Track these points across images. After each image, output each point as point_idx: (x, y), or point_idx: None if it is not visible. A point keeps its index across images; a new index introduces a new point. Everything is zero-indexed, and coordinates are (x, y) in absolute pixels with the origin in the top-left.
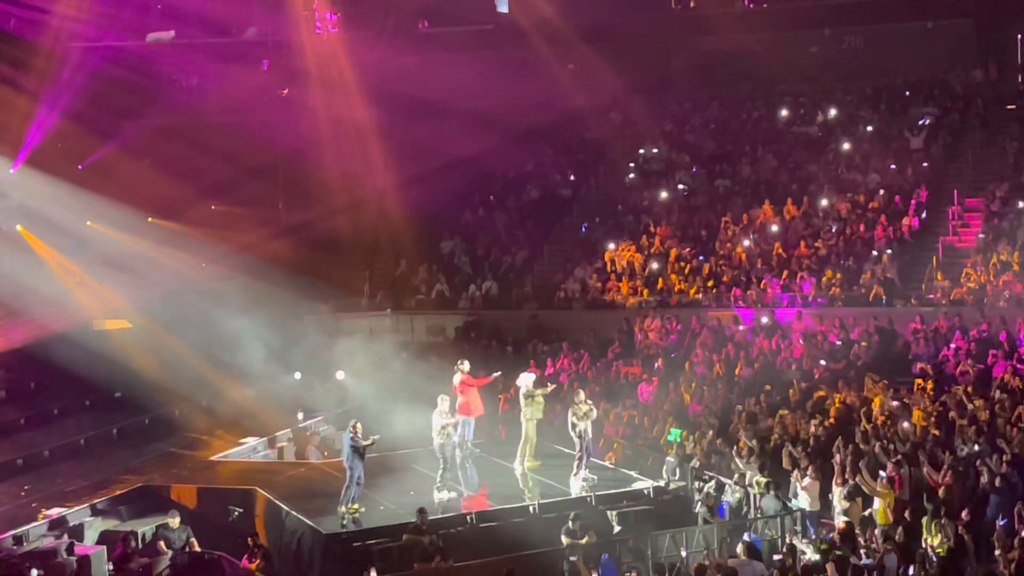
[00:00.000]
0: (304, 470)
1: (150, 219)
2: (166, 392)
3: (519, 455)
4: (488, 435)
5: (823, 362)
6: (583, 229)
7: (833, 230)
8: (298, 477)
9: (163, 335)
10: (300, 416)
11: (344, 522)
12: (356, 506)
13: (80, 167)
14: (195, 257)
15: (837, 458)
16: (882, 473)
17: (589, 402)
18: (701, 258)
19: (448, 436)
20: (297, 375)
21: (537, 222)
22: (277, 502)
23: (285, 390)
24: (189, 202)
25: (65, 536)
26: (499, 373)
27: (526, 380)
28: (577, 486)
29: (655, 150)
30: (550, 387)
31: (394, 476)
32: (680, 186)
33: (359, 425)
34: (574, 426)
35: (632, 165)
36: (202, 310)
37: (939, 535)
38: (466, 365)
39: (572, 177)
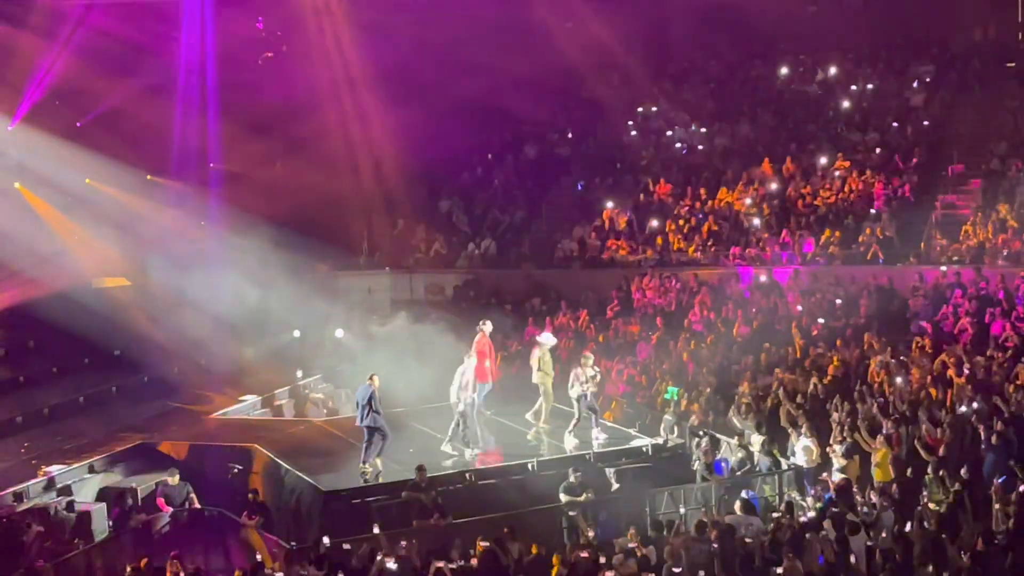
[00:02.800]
0: (303, 428)
1: (149, 177)
2: (165, 350)
3: (542, 413)
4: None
5: (821, 320)
6: (579, 188)
7: (832, 188)
8: (297, 435)
9: (162, 293)
10: (299, 374)
11: (367, 479)
12: (367, 467)
13: (79, 124)
14: (193, 216)
15: (835, 416)
16: (882, 432)
17: (597, 368)
18: (700, 216)
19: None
20: (296, 333)
21: (535, 181)
22: (276, 459)
23: (284, 348)
24: (187, 160)
25: (65, 493)
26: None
27: (547, 340)
28: (571, 443)
29: (654, 108)
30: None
31: (393, 434)
32: (678, 144)
33: (376, 378)
34: (576, 388)
35: (630, 123)
36: (200, 269)
37: (938, 492)
38: (488, 325)
39: (570, 136)
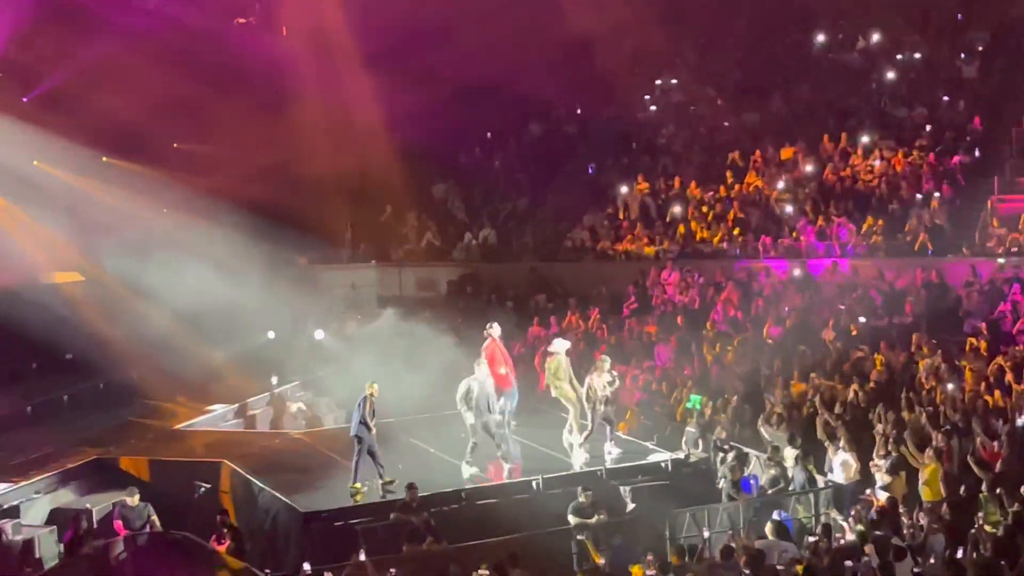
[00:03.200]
0: (279, 441)
1: (105, 159)
2: (124, 353)
3: (573, 427)
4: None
5: (863, 319)
6: (590, 170)
7: (875, 171)
8: (272, 449)
9: (120, 289)
10: (274, 381)
11: (358, 499)
12: (358, 484)
13: (25, 99)
14: (156, 202)
15: (878, 427)
16: (931, 445)
17: (615, 373)
18: (726, 202)
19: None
20: (271, 334)
21: (540, 163)
22: (249, 477)
23: (257, 351)
24: (149, 140)
25: (11, 515)
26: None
27: (560, 347)
28: (581, 458)
29: (674, 81)
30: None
31: (381, 448)
32: (702, 121)
33: (375, 387)
34: (589, 397)
35: (648, 98)
36: (164, 261)
37: (994, 513)
38: (496, 328)
39: (579, 112)
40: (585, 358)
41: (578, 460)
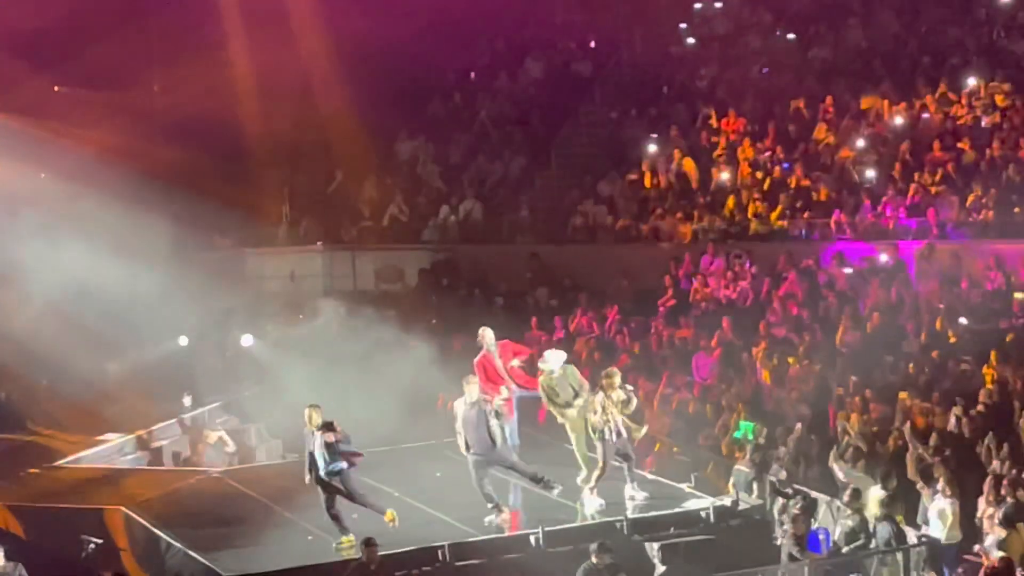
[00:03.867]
0: (195, 481)
1: None
2: None
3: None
4: None
5: (966, 321)
6: (607, 122)
7: (985, 125)
8: (186, 492)
9: None
10: (187, 401)
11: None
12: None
13: None
14: (30, 164)
15: (995, 465)
16: None
17: (629, 388)
18: (787, 167)
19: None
20: (182, 341)
21: (542, 113)
22: (154, 529)
23: (164, 363)
24: (21, 79)
25: None
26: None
27: (554, 360)
28: (594, 505)
29: (718, 4)
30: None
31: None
32: (756, 59)
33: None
34: (597, 422)
35: (684, 27)
36: (42, 245)
37: None
38: (489, 334)
39: (593, 44)
40: (600, 371)
41: (590, 508)
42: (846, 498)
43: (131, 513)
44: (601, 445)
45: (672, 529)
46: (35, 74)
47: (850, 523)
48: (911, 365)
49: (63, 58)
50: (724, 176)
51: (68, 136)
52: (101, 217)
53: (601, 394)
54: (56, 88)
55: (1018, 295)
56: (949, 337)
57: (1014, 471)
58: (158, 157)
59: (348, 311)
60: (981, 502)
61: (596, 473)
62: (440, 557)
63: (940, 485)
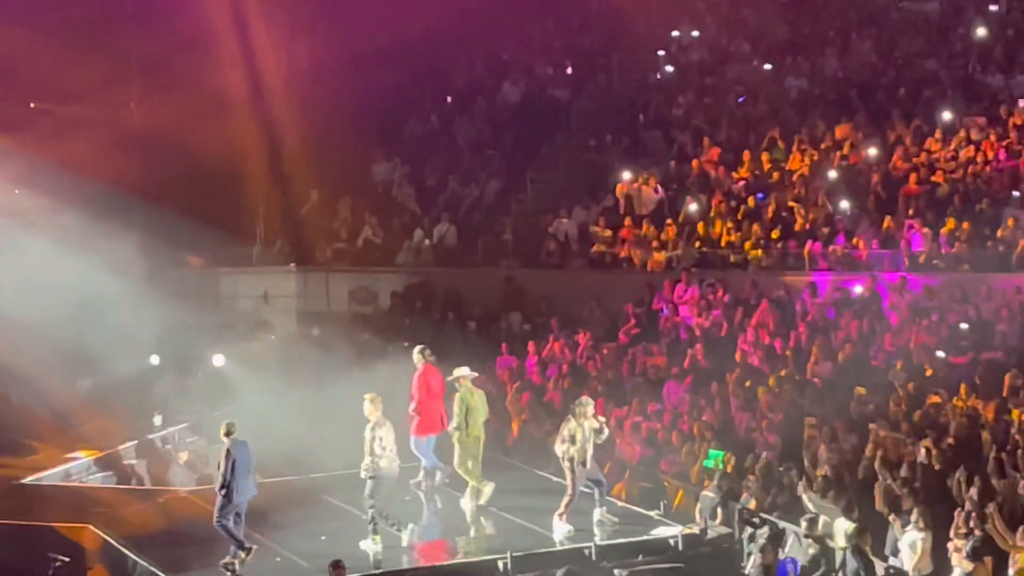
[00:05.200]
0: (163, 500)
1: None
2: None
3: (469, 489)
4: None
5: (941, 353)
6: (583, 148)
7: (959, 157)
8: (155, 511)
9: None
10: (157, 421)
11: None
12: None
13: None
14: (3, 179)
15: (961, 496)
16: None
17: (601, 419)
18: (761, 196)
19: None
20: (154, 359)
21: (517, 137)
22: (121, 548)
23: (135, 382)
24: None
25: None
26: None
27: (463, 374)
28: (562, 531)
29: (695, 32)
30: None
31: (298, 512)
32: (732, 87)
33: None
34: (568, 450)
35: (662, 54)
36: (11, 259)
37: None
38: (427, 354)
39: (570, 70)
40: (571, 398)
41: (559, 533)
42: (804, 526)
43: (99, 531)
44: (571, 472)
45: (640, 556)
46: (10, 91)
47: (811, 551)
48: (882, 397)
49: (39, 75)
50: (693, 206)
51: (42, 151)
52: (74, 233)
53: (573, 422)
54: (31, 104)
55: None
56: (923, 370)
57: (981, 503)
58: (133, 174)
59: (320, 333)
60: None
61: (566, 500)
62: None
63: (913, 516)
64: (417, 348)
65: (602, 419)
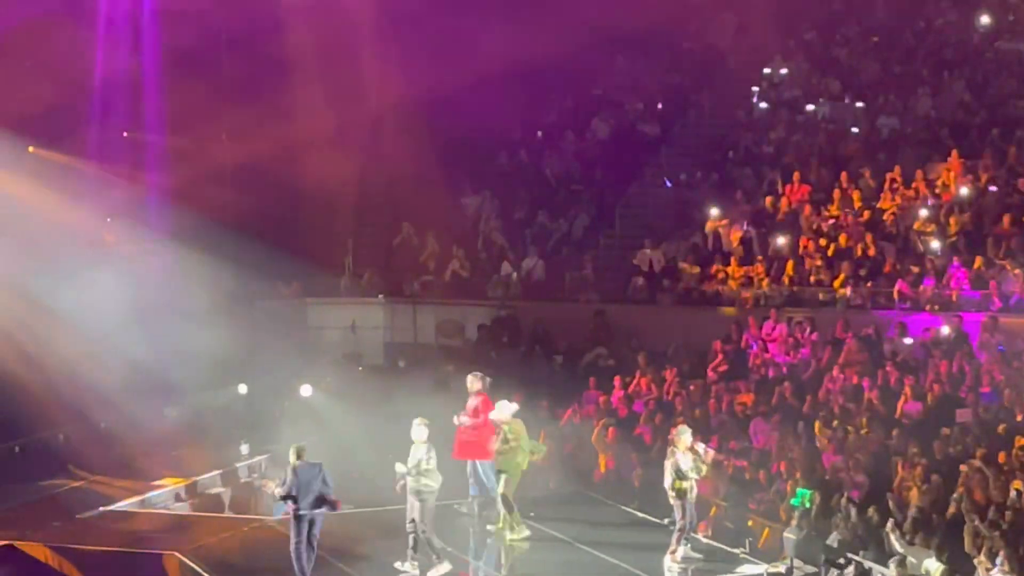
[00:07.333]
0: (248, 529)
1: (31, 149)
2: (46, 408)
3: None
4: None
5: None
6: (667, 184)
7: None
8: (240, 540)
9: (44, 322)
10: (245, 449)
11: None
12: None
13: None
14: (95, 206)
15: None
16: None
17: (702, 447)
18: (852, 234)
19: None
20: (242, 388)
21: (607, 172)
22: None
23: (224, 410)
24: (87, 124)
25: None
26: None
27: (505, 411)
28: (674, 570)
29: (785, 71)
30: (706, 454)
31: (382, 543)
32: (823, 126)
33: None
34: (678, 482)
35: (754, 91)
36: (104, 287)
37: None
38: (486, 381)
39: (660, 107)
40: (663, 433)
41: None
42: (893, 567)
43: (185, 559)
44: (679, 505)
45: None
46: (104, 121)
47: None
48: (972, 437)
49: (131, 107)
50: (784, 241)
51: (135, 180)
52: (165, 262)
53: (677, 455)
54: (124, 133)
55: None
56: (1014, 411)
57: None
58: (225, 205)
59: (407, 364)
60: None
61: (676, 535)
62: None
63: (999, 559)
64: (474, 373)
65: (701, 446)
